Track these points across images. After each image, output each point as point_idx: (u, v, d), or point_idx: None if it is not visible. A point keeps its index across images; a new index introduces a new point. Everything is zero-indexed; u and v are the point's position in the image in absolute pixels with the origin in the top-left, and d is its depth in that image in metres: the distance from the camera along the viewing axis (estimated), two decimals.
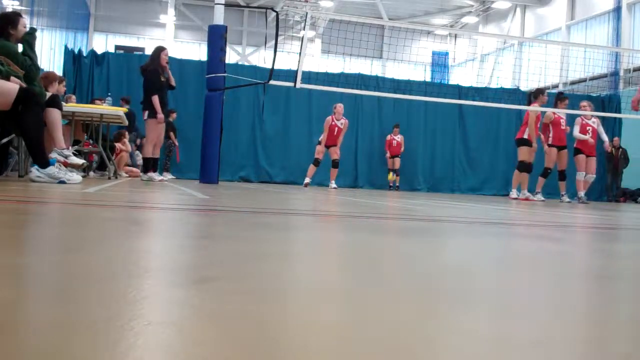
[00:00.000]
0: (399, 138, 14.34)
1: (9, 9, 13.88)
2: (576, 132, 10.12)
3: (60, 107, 5.61)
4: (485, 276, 1.22)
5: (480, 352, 0.61)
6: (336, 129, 11.24)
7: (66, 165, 5.40)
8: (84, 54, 13.86)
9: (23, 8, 14.72)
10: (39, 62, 5.73)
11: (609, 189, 15.10)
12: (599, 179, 12.66)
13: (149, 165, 8.65)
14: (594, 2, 20.26)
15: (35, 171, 5.04)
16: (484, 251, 1.76)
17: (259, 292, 0.86)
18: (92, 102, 10.69)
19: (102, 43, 25.16)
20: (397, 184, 14.38)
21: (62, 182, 4.93)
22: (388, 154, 14.43)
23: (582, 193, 9.98)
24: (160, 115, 8.27)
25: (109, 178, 8.45)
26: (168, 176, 11.85)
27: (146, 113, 8.33)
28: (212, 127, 9.56)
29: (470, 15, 26.17)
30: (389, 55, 22.91)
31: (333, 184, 11.47)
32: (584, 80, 17.44)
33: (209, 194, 4.93)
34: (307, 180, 11.32)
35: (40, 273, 0.92)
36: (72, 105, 8.20)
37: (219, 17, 9.98)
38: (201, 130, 9.84)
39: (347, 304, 0.82)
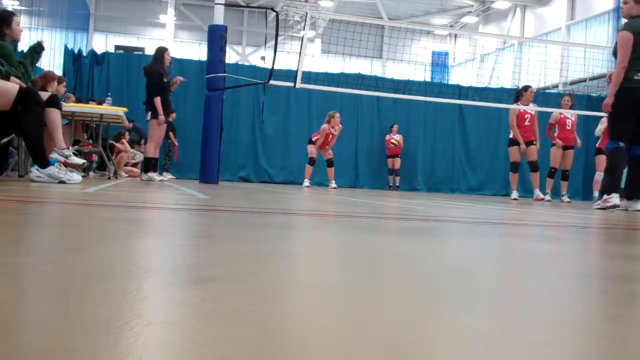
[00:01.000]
0: (397, 137, 14.34)
1: (9, 9, 13.86)
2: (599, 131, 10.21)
3: (60, 107, 5.61)
4: (485, 276, 1.22)
5: (480, 352, 0.61)
6: (331, 135, 11.41)
7: (66, 165, 5.41)
8: (84, 54, 13.86)
9: (23, 8, 14.72)
10: (38, 64, 5.73)
11: None
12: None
13: (150, 165, 8.67)
14: (594, 2, 20.26)
15: (35, 171, 5.04)
16: (484, 251, 1.76)
17: (259, 292, 0.86)
18: (88, 101, 10.67)
19: (102, 43, 25.15)
20: (397, 184, 14.38)
21: (62, 182, 4.93)
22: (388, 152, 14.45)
23: (597, 193, 9.97)
24: (162, 117, 8.30)
25: (109, 178, 8.45)
26: (168, 176, 11.85)
27: (149, 114, 8.37)
28: (212, 127, 9.57)
29: (470, 15, 26.17)
30: (389, 55, 22.93)
31: (333, 184, 11.50)
32: (584, 80, 17.43)
33: (209, 194, 4.93)
34: (306, 182, 11.36)
35: (40, 273, 0.92)
36: (72, 105, 8.21)
37: (219, 17, 9.98)
38: (201, 130, 9.84)
39: (347, 304, 0.82)
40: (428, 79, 23.01)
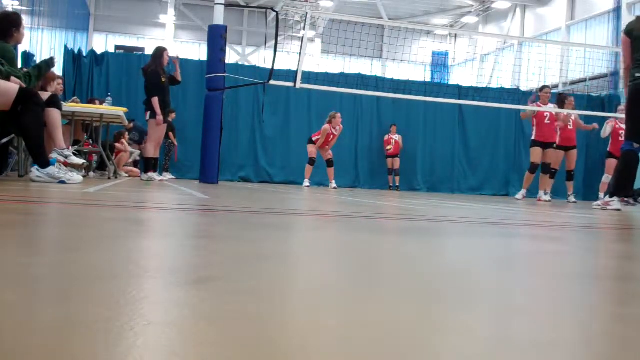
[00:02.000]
0: (396, 137, 14.33)
1: (9, 9, 13.87)
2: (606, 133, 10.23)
3: (60, 107, 5.61)
4: (485, 276, 1.22)
5: (480, 352, 0.61)
6: (332, 135, 11.43)
7: (66, 165, 5.41)
8: (84, 54, 13.86)
9: (23, 8, 14.70)
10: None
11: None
12: (597, 178, 12.65)
13: (150, 165, 8.67)
14: (594, 2, 20.25)
15: (35, 171, 5.04)
16: (484, 251, 1.75)
17: (258, 292, 0.86)
18: (90, 101, 10.67)
19: (102, 43, 25.14)
20: (397, 184, 14.38)
21: (62, 182, 4.93)
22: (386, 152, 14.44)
23: (602, 195, 9.95)
24: (160, 117, 8.30)
25: (109, 178, 8.45)
26: (168, 176, 11.85)
27: (148, 114, 8.38)
28: (212, 127, 9.57)
29: (470, 15, 26.16)
30: (389, 55, 22.90)
31: (333, 184, 11.51)
32: (584, 80, 17.43)
33: (209, 194, 4.93)
34: (306, 182, 11.37)
35: (40, 273, 0.92)
36: (72, 105, 8.21)
37: (219, 17, 9.98)
38: (201, 130, 9.84)
39: (346, 304, 0.82)
40: (428, 79, 23.00)
